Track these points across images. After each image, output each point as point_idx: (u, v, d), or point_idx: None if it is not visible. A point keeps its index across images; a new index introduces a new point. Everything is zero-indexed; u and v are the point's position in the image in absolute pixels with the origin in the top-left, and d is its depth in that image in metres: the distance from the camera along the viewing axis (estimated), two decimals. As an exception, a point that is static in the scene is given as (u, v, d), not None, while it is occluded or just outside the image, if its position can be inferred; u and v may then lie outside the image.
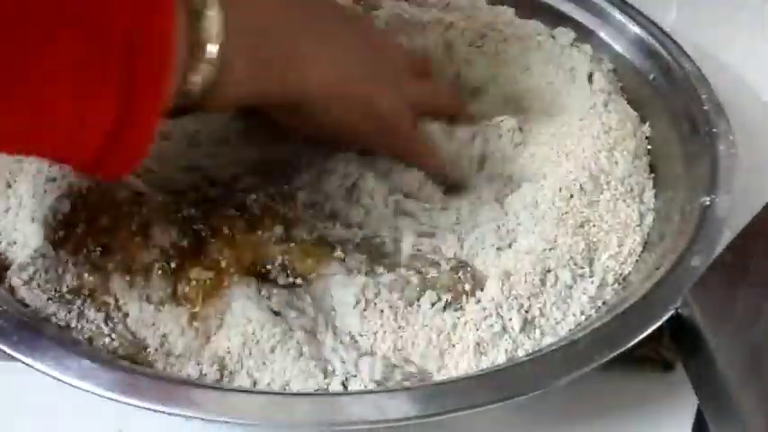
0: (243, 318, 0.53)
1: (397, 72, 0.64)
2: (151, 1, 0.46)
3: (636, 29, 0.71)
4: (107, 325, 0.54)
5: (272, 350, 0.52)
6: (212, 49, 0.50)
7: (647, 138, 0.65)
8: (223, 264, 0.56)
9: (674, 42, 0.70)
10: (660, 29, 0.71)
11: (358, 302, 0.55)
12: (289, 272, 0.56)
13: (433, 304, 0.55)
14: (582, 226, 0.58)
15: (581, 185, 0.60)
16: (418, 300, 0.55)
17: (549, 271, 0.56)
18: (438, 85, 0.69)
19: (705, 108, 0.64)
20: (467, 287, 0.56)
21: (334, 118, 0.60)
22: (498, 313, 0.54)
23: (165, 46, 0.46)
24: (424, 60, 0.69)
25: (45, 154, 0.50)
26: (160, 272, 0.56)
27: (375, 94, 0.61)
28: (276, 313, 0.54)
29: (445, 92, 0.68)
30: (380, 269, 0.57)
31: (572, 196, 0.59)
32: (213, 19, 0.50)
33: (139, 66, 0.45)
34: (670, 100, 0.66)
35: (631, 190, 0.61)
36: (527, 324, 0.54)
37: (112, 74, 0.45)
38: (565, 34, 0.72)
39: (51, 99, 0.45)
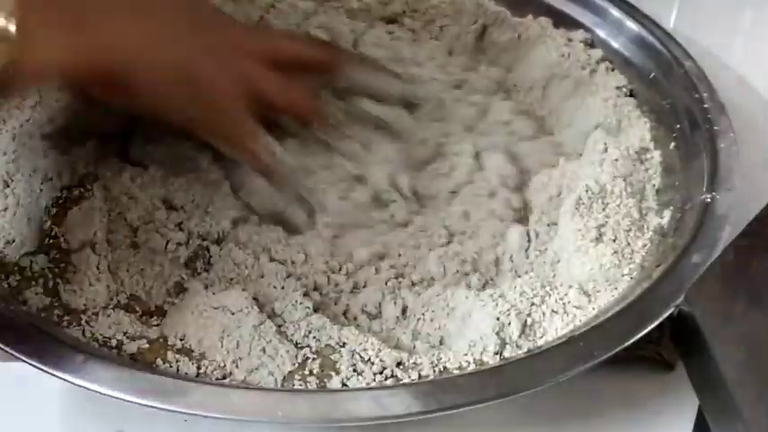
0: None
1: (233, 51, 0.59)
2: None
3: (636, 27, 0.71)
4: (106, 323, 0.54)
5: (270, 343, 0.52)
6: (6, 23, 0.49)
7: (647, 136, 0.65)
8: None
9: (675, 41, 0.70)
10: (661, 27, 0.71)
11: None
12: None
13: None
14: (596, 229, 0.58)
15: (587, 186, 0.60)
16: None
17: (554, 276, 0.57)
18: (294, 82, 0.61)
19: (706, 106, 0.64)
20: None
21: (147, 87, 0.56)
22: (498, 319, 0.54)
23: None
24: (296, 52, 0.64)
25: None
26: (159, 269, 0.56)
27: (190, 62, 0.57)
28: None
29: (298, 91, 0.61)
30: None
31: (580, 198, 0.59)
32: None
33: None
34: (671, 98, 0.66)
35: (632, 188, 0.61)
36: (526, 328, 0.54)
37: None
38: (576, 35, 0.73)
39: None
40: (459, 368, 0.52)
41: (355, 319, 0.56)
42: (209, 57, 0.57)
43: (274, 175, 0.59)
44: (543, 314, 0.54)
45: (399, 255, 0.58)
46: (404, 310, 0.56)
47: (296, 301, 0.55)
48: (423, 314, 0.56)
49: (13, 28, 0.49)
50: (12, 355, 0.50)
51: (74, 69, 0.54)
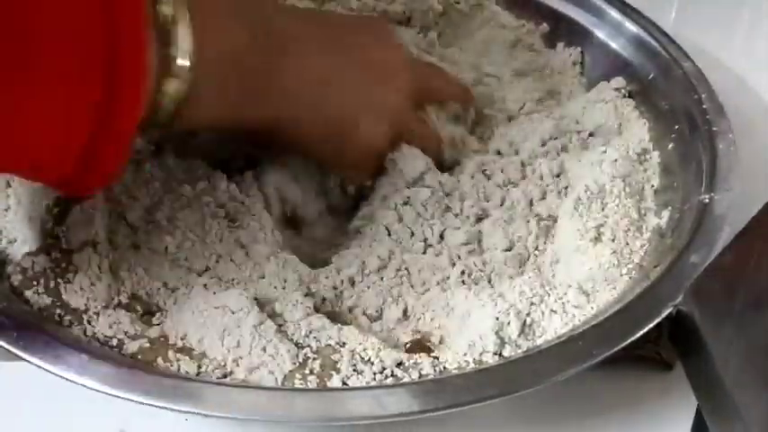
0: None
1: (387, 92, 0.61)
2: (123, 15, 0.46)
3: (635, 28, 0.71)
4: (107, 322, 0.54)
5: (270, 343, 0.52)
6: (183, 63, 0.50)
7: (646, 137, 0.66)
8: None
9: (674, 42, 0.70)
10: (659, 28, 0.71)
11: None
12: None
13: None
14: (595, 229, 0.58)
15: (587, 186, 0.60)
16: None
17: (553, 276, 0.57)
18: (447, 73, 0.67)
19: (704, 107, 0.64)
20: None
21: (304, 141, 0.59)
22: (497, 318, 0.54)
23: (141, 54, 0.47)
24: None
25: (21, 167, 0.49)
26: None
27: (351, 120, 0.59)
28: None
29: (454, 78, 0.67)
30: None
31: (579, 198, 0.59)
32: (184, 36, 0.49)
33: (118, 73, 0.45)
34: (669, 99, 0.66)
35: (631, 189, 0.61)
36: (525, 327, 0.54)
37: (95, 85, 0.45)
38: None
39: (36, 107, 0.45)
40: (459, 368, 0.53)
41: (356, 319, 0.56)
42: (366, 113, 0.60)
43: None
44: (542, 314, 0.54)
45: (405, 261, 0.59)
46: (404, 312, 0.56)
47: (296, 300, 0.55)
48: (423, 314, 0.56)
49: (187, 65, 0.50)
50: (13, 354, 0.50)
51: (239, 124, 0.56)
